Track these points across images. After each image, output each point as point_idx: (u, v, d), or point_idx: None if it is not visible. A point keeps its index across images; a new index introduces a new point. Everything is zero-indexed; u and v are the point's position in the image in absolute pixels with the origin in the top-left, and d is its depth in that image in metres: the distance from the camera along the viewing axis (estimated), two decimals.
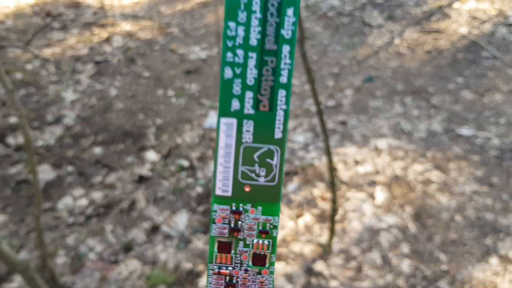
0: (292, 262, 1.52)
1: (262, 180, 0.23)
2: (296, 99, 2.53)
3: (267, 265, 0.24)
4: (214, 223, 0.23)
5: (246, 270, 0.24)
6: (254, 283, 0.23)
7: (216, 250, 0.24)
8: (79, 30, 3.23)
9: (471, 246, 1.57)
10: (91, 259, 1.52)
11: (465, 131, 2.18)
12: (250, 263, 0.24)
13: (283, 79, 0.21)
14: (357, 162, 1.99)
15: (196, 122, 2.26)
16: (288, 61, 0.21)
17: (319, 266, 1.51)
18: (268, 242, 0.24)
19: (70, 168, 1.91)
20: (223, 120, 0.22)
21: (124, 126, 2.20)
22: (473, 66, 2.76)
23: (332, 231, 1.54)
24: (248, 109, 0.22)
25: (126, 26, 3.35)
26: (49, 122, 2.19)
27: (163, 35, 3.28)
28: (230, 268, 0.24)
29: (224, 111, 0.22)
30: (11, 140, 2.02)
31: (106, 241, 1.59)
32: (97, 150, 2.03)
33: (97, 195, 1.78)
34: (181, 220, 1.68)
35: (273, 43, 0.21)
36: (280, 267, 1.50)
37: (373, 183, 1.86)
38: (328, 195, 1.77)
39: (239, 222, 0.23)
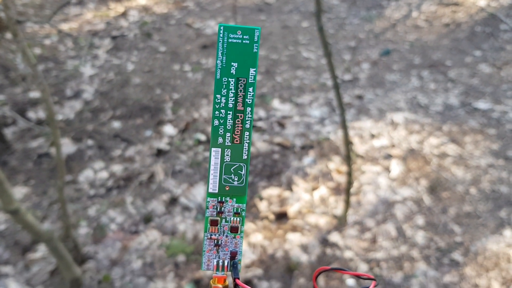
0: (307, 233, 1.55)
1: (235, 183, 0.37)
2: (312, 73, 2.52)
3: (239, 232, 0.38)
4: (208, 208, 0.37)
5: (226, 236, 0.38)
6: (231, 243, 0.38)
7: (209, 224, 0.37)
8: (96, 5, 3.24)
9: (485, 219, 1.59)
10: (112, 230, 1.57)
11: (482, 104, 2.16)
12: (229, 232, 0.38)
13: (247, 125, 0.36)
14: (373, 136, 2.00)
15: (212, 97, 2.28)
16: (250, 116, 0.36)
17: (334, 237, 1.54)
18: (239, 219, 0.38)
19: (90, 142, 1.95)
20: (213, 149, 0.36)
21: (142, 101, 2.23)
22: (491, 39, 2.72)
23: (347, 203, 1.56)
24: (227, 143, 0.37)
25: (142, 1, 3.35)
26: (68, 97, 2.23)
27: (179, 9, 3.28)
28: (217, 235, 0.37)
29: (214, 144, 0.36)
30: (32, 114, 2.06)
31: (126, 212, 1.63)
32: (116, 124, 2.07)
33: (117, 168, 1.82)
34: (199, 192, 1.72)
35: (241, 106, 0.36)
36: (296, 237, 1.53)
37: (388, 157, 1.87)
38: (344, 168, 1.79)
39: (222, 208, 0.37)
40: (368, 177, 1.78)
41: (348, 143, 1.45)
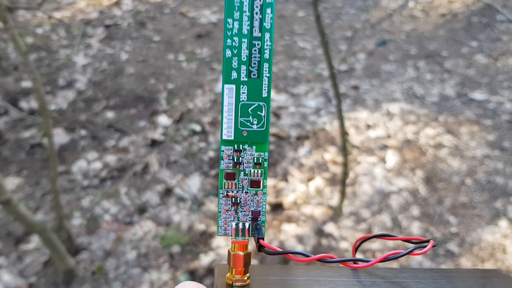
0: (303, 224, 1.55)
1: (254, 127, 0.31)
2: (308, 63, 2.50)
3: (261, 188, 0.32)
4: (222, 159, 0.31)
5: (246, 192, 0.32)
6: (252, 202, 0.32)
7: (224, 179, 0.32)
8: None
9: (481, 209, 1.59)
10: (106, 221, 1.56)
11: (478, 95, 2.16)
12: (249, 187, 0.32)
13: (266, 55, 0.31)
14: (369, 127, 1.99)
15: (207, 87, 2.26)
16: (269, 43, 0.30)
17: (330, 228, 1.53)
18: (261, 171, 0.32)
19: (83, 132, 1.93)
20: (226, 86, 0.31)
21: (136, 91, 2.20)
22: (487, 30, 2.71)
23: (343, 194, 1.56)
24: (243, 77, 0.31)
25: None
26: (61, 87, 2.20)
27: None
28: (235, 191, 0.32)
29: (227, 79, 0.31)
30: (24, 104, 2.04)
31: (120, 203, 1.62)
32: (110, 115, 2.05)
33: (111, 159, 1.80)
34: (194, 183, 1.70)
35: (258, 32, 0.30)
36: (291, 228, 1.53)
37: (384, 147, 1.87)
38: (339, 159, 1.78)
39: (240, 158, 0.32)
40: (363, 167, 1.77)
41: (344, 133, 1.44)
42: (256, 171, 0.32)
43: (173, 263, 1.43)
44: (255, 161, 0.32)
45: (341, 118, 1.41)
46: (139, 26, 2.79)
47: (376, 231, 1.52)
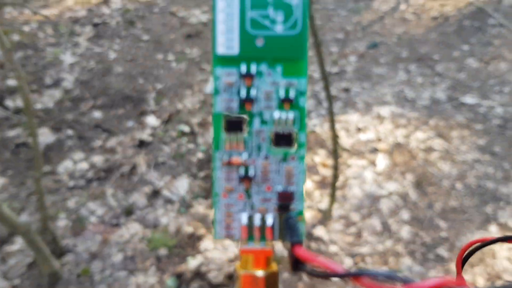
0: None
1: (279, 29, 0.16)
2: None
3: (294, 147, 0.17)
4: (218, 93, 0.17)
5: (266, 158, 0.17)
6: (278, 174, 0.17)
7: (223, 131, 0.17)
8: None
9: (471, 214, 1.58)
10: (92, 222, 1.53)
11: (469, 99, 2.15)
12: (271, 147, 0.17)
13: None
14: (359, 130, 1.98)
15: (197, 88, 2.24)
16: None
17: (319, 231, 1.51)
18: (295, 115, 0.17)
19: (69, 132, 1.90)
20: None
21: (124, 90, 2.17)
22: (479, 34, 2.72)
23: (332, 197, 1.54)
24: None
25: None
26: (48, 85, 2.17)
27: None
28: (245, 155, 0.17)
29: None
30: (9, 102, 2.00)
31: (107, 204, 1.59)
32: (97, 114, 2.02)
33: (98, 159, 1.77)
34: (182, 185, 1.68)
35: None
36: None
37: (374, 151, 1.85)
38: (329, 162, 1.77)
39: (252, 90, 0.17)
40: (353, 171, 1.76)
41: (335, 136, 1.43)
42: (284, 115, 0.17)
43: (160, 266, 1.41)
44: (283, 95, 0.17)
45: (332, 121, 1.39)
46: (128, 25, 2.76)
47: (366, 235, 1.51)
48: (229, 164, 0.17)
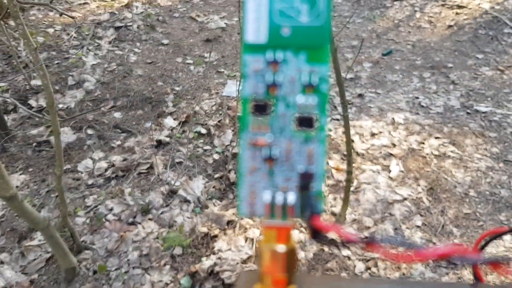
0: (305, 231, 1.55)
1: (304, 19, 0.18)
2: None
3: (315, 130, 0.19)
4: (246, 77, 0.19)
5: (289, 140, 0.19)
6: (299, 154, 0.18)
7: (249, 113, 0.19)
8: None
9: (485, 221, 1.58)
10: (109, 220, 1.56)
11: (483, 107, 2.16)
12: (295, 131, 0.19)
13: None
14: (373, 135, 1.99)
15: (214, 91, 2.27)
16: None
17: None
18: (317, 99, 0.19)
19: (90, 132, 1.95)
20: None
21: (143, 92, 2.22)
22: (494, 42, 2.71)
23: (346, 202, 1.56)
24: None
25: None
26: (70, 86, 2.22)
27: (183, 2, 3.27)
28: (270, 136, 0.19)
29: None
30: (33, 102, 2.06)
31: (124, 203, 1.62)
32: (117, 115, 2.06)
33: (116, 158, 1.81)
34: (198, 185, 1.71)
35: None
36: (293, 235, 1.53)
37: (388, 156, 1.87)
38: (343, 166, 1.78)
39: (278, 75, 0.18)
40: (367, 176, 1.77)
41: (349, 141, 1.45)
42: (307, 99, 0.19)
43: (174, 265, 1.43)
44: (307, 81, 0.19)
45: (347, 126, 1.41)
46: (148, 29, 2.81)
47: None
48: (255, 144, 0.19)
